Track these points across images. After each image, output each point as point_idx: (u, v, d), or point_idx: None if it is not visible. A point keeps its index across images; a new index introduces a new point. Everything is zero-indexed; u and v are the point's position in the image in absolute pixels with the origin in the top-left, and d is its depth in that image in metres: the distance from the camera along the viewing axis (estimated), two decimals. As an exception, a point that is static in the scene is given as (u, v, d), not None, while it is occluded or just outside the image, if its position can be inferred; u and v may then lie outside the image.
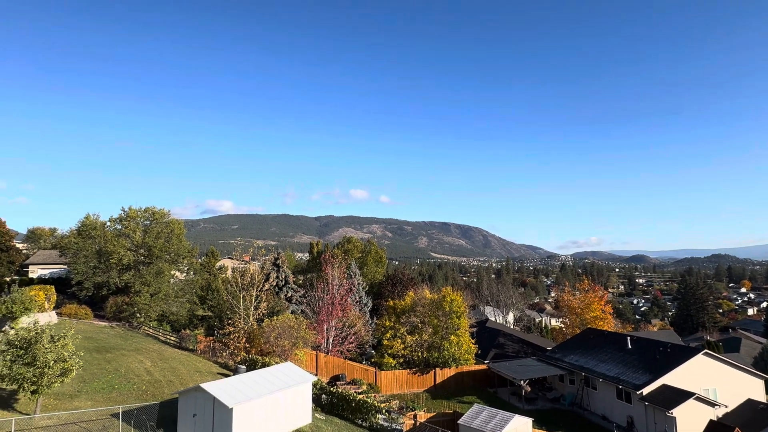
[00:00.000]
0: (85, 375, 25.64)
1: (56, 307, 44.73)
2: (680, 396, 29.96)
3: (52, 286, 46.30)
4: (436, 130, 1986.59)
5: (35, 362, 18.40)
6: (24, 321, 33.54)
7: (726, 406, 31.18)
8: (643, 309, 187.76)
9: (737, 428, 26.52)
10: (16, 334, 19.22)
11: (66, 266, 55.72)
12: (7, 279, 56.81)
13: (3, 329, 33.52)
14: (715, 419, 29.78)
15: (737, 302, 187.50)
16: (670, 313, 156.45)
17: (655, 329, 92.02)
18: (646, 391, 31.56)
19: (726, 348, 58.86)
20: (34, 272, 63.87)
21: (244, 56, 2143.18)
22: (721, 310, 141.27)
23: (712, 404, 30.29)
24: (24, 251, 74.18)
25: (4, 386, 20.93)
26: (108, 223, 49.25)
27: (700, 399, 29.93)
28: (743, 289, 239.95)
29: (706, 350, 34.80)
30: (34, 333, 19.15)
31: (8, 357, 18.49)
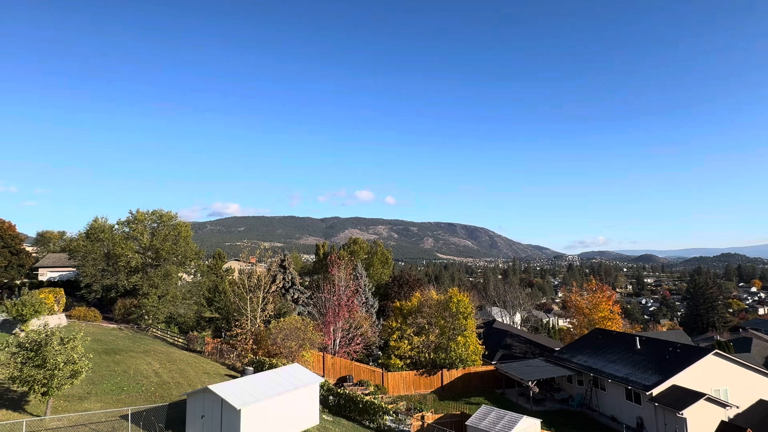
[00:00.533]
0: (94, 377, 25.84)
1: (66, 310, 45.19)
2: (691, 397, 29.65)
3: (62, 289, 46.79)
4: (441, 131, 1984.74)
5: (45, 364, 18.56)
6: (34, 323, 33.97)
7: (737, 407, 30.82)
8: (651, 309, 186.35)
9: (749, 429, 26.22)
10: (27, 337, 19.42)
11: (75, 269, 56.28)
12: (18, 282, 57.44)
13: (14, 331, 33.92)
14: (727, 420, 29.45)
15: (747, 302, 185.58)
16: (679, 313, 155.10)
17: (664, 329, 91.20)
18: (655, 391, 31.26)
19: (737, 348, 58.22)
20: (44, 275, 64.55)
21: (249, 59, 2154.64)
22: (731, 310, 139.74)
23: (723, 405, 29.96)
24: (34, 254, 74.95)
25: (15, 388, 21.18)
26: (116, 226, 49.69)
27: (710, 400, 29.61)
28: (753, 289, 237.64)
29: (716, 350, 34.40)
30: (44, 335, 19.33)
31: (19, 359, 18.68)
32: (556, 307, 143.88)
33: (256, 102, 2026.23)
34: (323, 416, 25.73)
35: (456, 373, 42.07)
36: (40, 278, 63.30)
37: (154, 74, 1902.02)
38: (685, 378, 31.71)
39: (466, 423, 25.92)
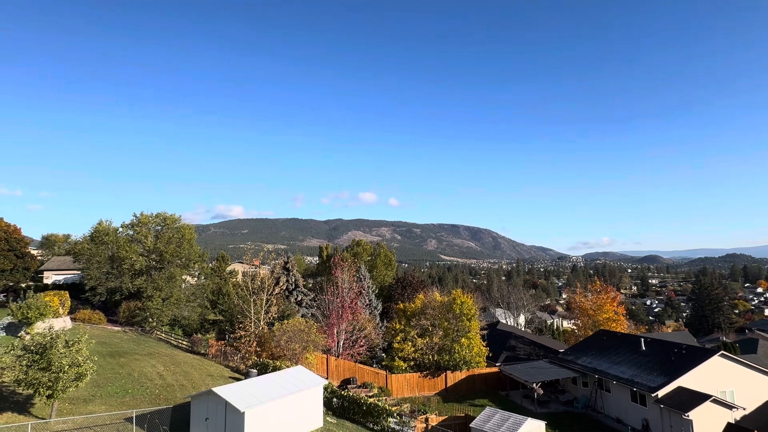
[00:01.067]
0: (99, 379, 25.92)
1: (70, 313, 45.33)
2: (696, 398, 29.48)
3: (66, 292, 46.95)
4: (443, 133, 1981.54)
5: (50, 367, 18.65)
6: (39, 326, 34.16)
7: (744, 409, 30.61)
8: (656, 310, 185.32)
9: (756, 431, 26.03)
10: (32, 340, 19.53)
11: (80, 272, 56.45)
12: (23, 285, 57.76)
13: (19, 334, 34.11)
14: (733, 422, 29.24)
15: (753, 302, 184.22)
16: (684, 314, 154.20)
17: (670, 330, 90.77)
18: (661, 393, 31.09)
19: (743, 349, 57.75)
20: (49, 278, 64.89)
21: (252, 61, 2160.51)
22: (736, 311, 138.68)
23: (730, 407, 29.75)
24: (39, 258, 75.37)
25: (21, 391, 21.27)
26: (120, 229, 49.89)
27: (717, 401, 29.41)
28: (759, 289, 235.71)
29: (722, 351, 34.21)
30: (49, 338, 19.43)
31: (24, 362, 18.78)
32: (560, 309, 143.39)
33: (258, 104, 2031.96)
34: (327, 418, 25.72)
35: (460, 375, 41.96)
36: (45, 281, 63.62)
37: (157, 77, 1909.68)
38: (691, 379, 31.51)
39: (470, 425, 25.87)
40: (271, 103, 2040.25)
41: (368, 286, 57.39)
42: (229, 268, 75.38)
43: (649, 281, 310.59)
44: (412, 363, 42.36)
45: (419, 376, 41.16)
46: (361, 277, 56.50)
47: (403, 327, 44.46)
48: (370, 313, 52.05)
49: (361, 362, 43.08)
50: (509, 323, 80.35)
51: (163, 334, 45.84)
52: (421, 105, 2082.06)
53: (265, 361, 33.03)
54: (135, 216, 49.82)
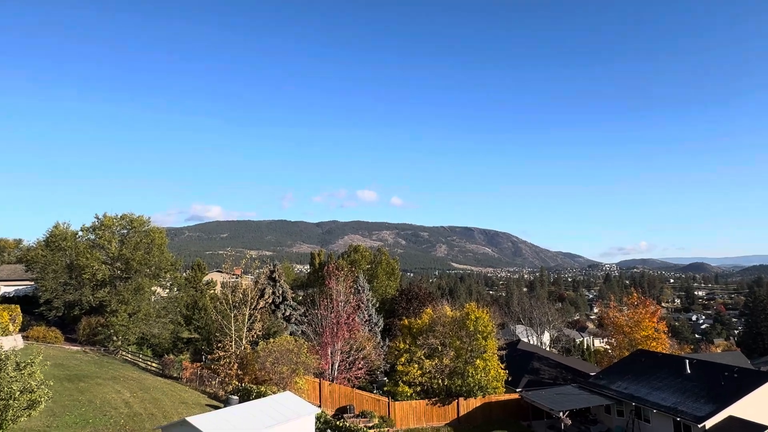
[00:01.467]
0: (55, 407, 25.95)
1: (22, 330, 45.52)
2: (751, 429, 29.43)
3: (18, 306, 47.17)
4: (456, 124, 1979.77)
5: (-1, 393, 18.67)
6: (-14, 346, 34.14)
7: (806, 442, 30.51)
8: (703, 327, 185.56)
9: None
10: (-23, 361, 19.54)
11: (33, 283, 56.64)
12: (-33, 298, 57.95)
13: (-38, 355, 34.16)
14: (793, 457, 29.15)
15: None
16: (736, 332, 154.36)
17: (719, 350, 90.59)
18: (709, 423, 31.03)
19: (804, 372, 57.68)
20: (-3, 290, 65.08)
21: (234, 43, 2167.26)
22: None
23: (790, 439, 29.66)
24: (-15, 266, 75.61)
25: (-36, 421, 21.30)
26: (80, 233, 50.13)
27: (774, 433, 29.34)
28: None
29: (780, 375, 34.16)
30: (-3, 360, 19.45)
31: (-32, 387, 18.79)
32: (591, 325, 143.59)
33: (243, 91, 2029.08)
34: (320, 453, 25.72)
35: (474, 403, 42.01)
36: (-7, 293, 63.85)
37: (120, 57, 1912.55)
38: (744, 408, 31.42)
39: (486, 461, 25.83)
40: (258, 90, 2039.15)
41: (367, 299, 57.52)
42: (206, 278, 75.69)
43: (695, 293, 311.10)
44: (418, 388, 42.39)
45: (427, 404, 41.20)
46: (360, 288, 56.62)
47: (408, 346, 44.51)
48: (369, 331, 52.16)
49: (359, 387, 43.16)
50: (532, 342, 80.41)
51: (130, 355, 45.96)
52: (428, 93, 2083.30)
53: (248, 386, 33.09)
54: (97, 218, 50.01)
